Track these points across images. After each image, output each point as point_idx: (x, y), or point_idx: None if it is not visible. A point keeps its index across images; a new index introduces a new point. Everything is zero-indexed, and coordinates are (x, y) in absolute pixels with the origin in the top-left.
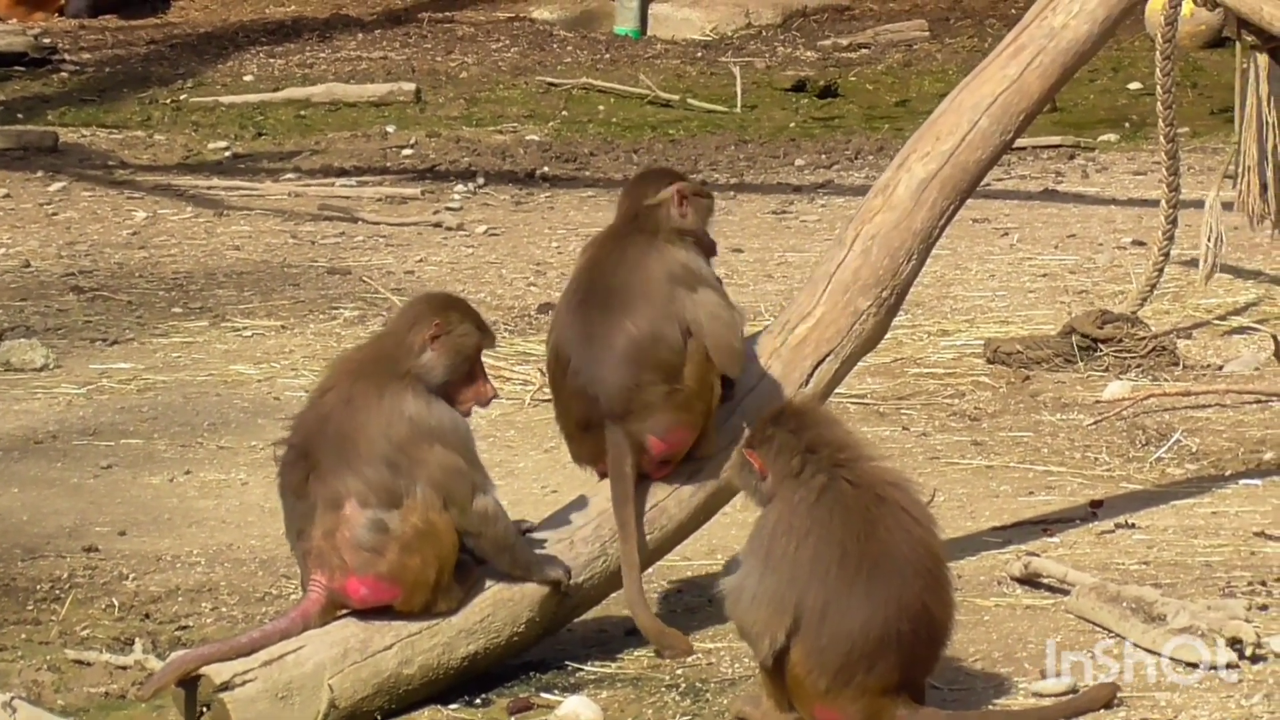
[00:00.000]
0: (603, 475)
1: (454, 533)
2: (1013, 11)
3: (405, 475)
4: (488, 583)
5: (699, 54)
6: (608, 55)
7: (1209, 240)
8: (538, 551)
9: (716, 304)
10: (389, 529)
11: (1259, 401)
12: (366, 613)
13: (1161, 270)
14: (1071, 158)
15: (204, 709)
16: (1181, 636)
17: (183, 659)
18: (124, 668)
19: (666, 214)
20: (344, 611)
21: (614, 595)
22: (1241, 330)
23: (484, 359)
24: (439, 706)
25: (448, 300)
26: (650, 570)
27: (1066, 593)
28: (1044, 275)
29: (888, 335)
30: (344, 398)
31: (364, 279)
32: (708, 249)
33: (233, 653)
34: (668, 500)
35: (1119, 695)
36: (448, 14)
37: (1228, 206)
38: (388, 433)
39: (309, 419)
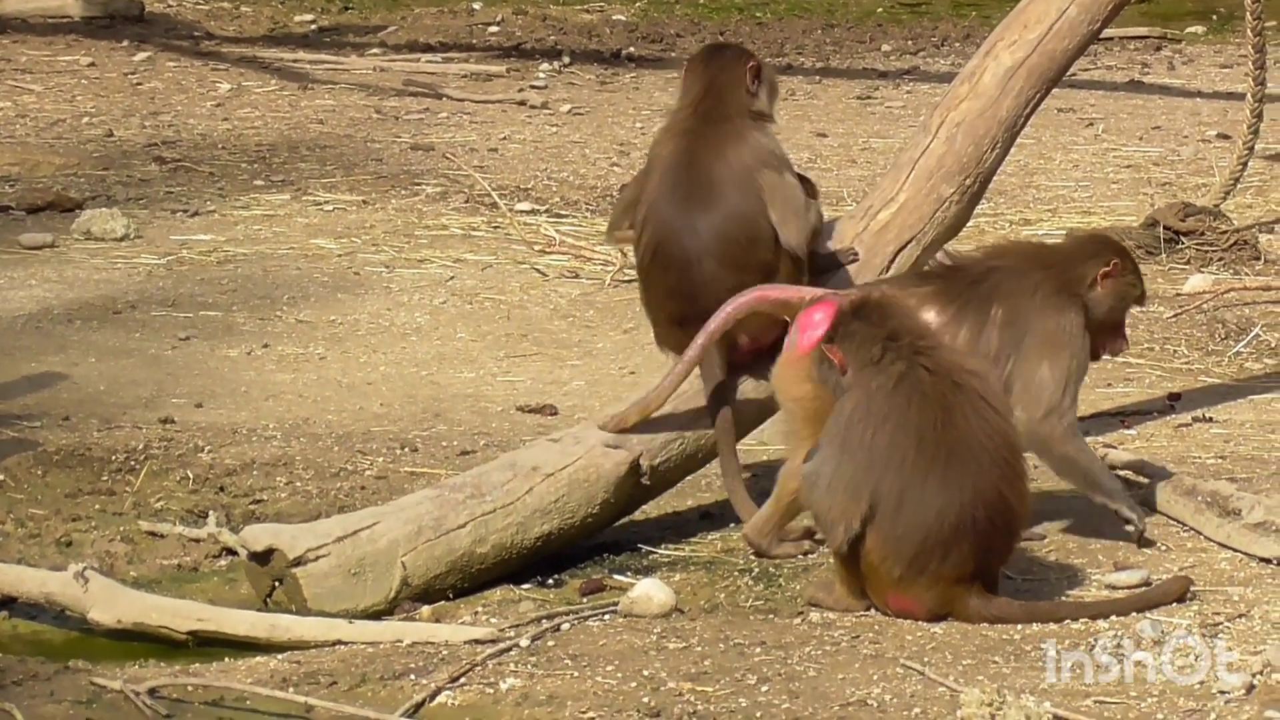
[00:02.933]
0: None
1: None
2: None
3: (1012, 354)
4: (562, 465)
5: None
6: None
7: None
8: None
9: (795, 187)
10: None
11: None
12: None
13: (1245, 164)
14: (1158, 49)
15: (276, 583)
16: (1256, 532)
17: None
18: (197, 540)
19: (744, 95)
20: None
21: (688, 479)
22: None
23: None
24: (511, 586)
25: (1125, 248)
26: None
27: (1142, 485)
28: (1128, 166)
29: (970, 223)
30: (1011, 319)
31: (447, 156)
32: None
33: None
34: (745, 385)
35: (1192, 589)
36: None
37: None
38: (1050, 342)
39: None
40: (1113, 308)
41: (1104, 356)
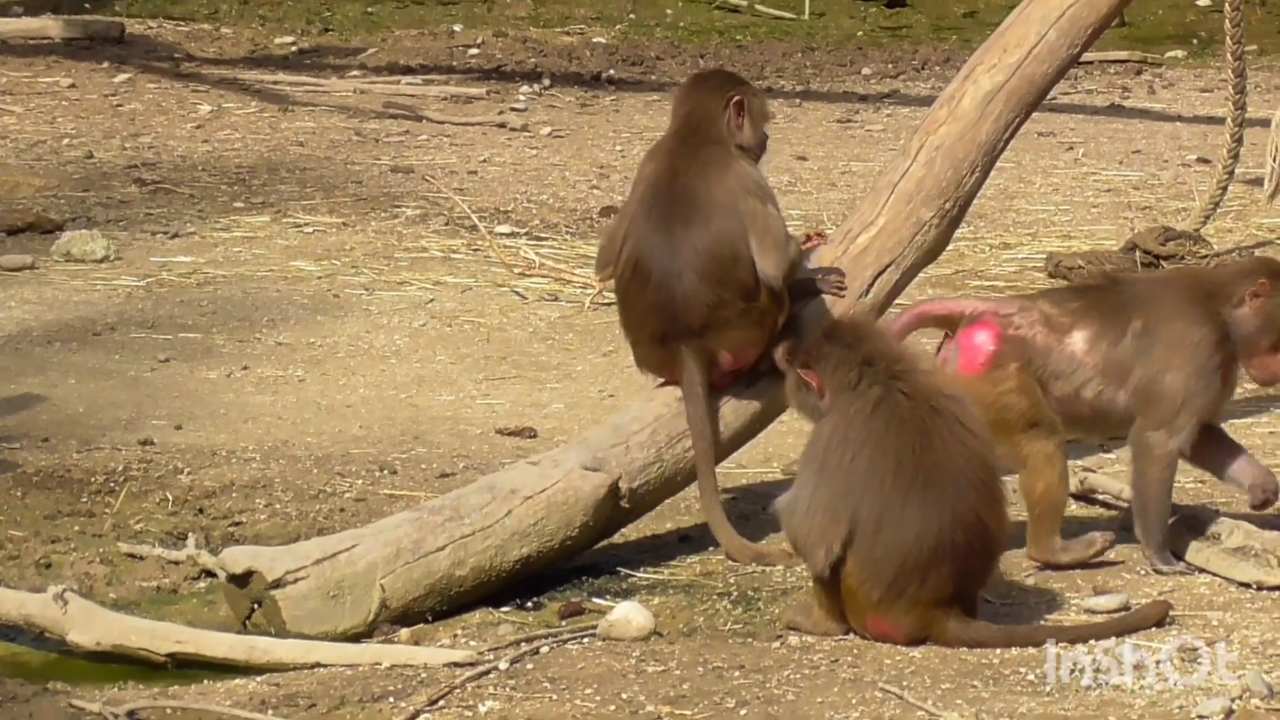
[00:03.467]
0: (664, 383)
1: None
2: None
3: (1143, 360)
4: (541, 487)
5: None
6: None
7: (1274, 159)
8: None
9: (777, 218)
10: None
11: None
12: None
13: (1225, 188)
14: (1138, 73)
15: (255, 606)
16: (1235, 556)
17: None
18: (176, 562)
19: (728, 126)
20: None
21: (667, 501)
22: None
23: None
24: (490, 609)
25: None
26: None
27: (1121, 509)
28: (1108, 190)
29: (949, 247)
30: (1147, 328)
31: (427, 178)
32: (760, 150)
33: None
34: (724, 408)
35: (1171, 613)
36: None
37: None
38: (1176, 349)
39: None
40: (1260, 329)
41: (1261, 385)
